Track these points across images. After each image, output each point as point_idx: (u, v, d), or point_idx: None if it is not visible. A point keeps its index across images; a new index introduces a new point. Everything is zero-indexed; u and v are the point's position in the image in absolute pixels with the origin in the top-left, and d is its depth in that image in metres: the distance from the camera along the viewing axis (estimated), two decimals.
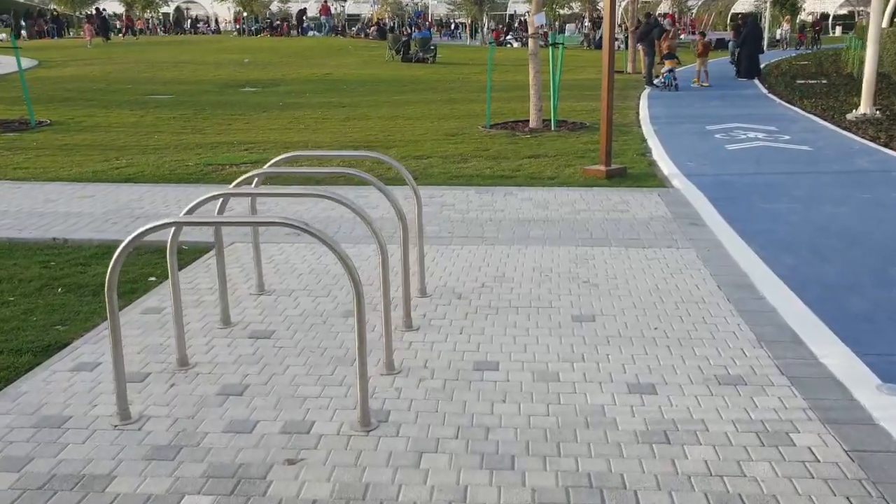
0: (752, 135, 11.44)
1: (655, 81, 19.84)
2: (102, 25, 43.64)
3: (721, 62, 27.52)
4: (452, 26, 64.76)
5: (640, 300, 4.65)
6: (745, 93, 18.37)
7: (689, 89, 19.52)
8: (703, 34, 22.95)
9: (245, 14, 48.01)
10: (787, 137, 11.21)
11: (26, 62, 30.17)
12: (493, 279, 5.08)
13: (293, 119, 14.95)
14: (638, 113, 14.73)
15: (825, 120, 13.19)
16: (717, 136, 11.50)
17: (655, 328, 4.22)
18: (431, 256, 5.63)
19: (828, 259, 5.39)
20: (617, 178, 8.52)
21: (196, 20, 63.95)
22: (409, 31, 39.19)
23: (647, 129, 12.33)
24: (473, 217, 6.77)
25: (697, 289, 4.85)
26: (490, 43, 31.35)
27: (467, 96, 18.64)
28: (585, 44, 46.75)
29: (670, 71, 19.45)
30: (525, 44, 49.37)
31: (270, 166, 4.61)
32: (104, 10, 52.39)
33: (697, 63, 20.67)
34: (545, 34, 12.72)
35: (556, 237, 6.08)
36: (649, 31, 20.66)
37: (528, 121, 12.94)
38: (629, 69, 25.45)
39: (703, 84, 20.14)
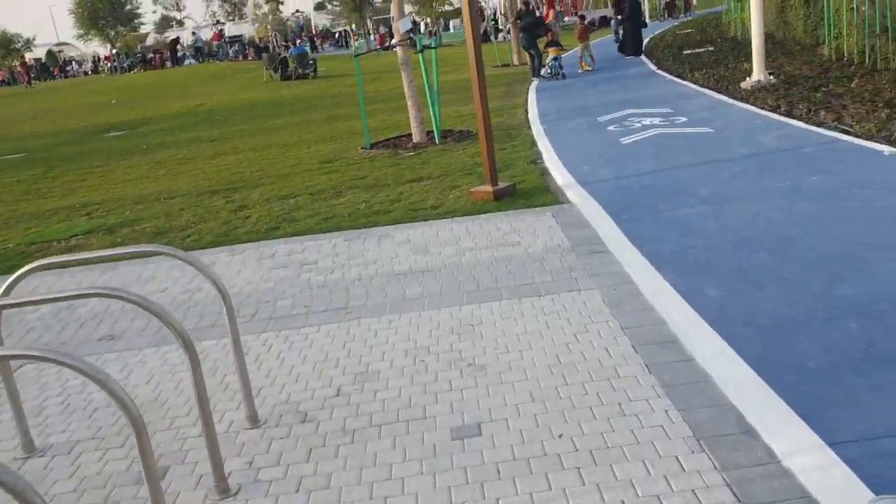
0: (647, 121, 10.61)
1: (542, 72, 19.04)
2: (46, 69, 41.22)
3: (606, 41, 27.09)
4: (337, 36, 63.10)
5: (538, 386, 3.57)
6: (633, 72, 17.72)
7: (577, 76, 18.79)
8: (581, 17, 22.30)
9: (114, 50, 45.41)
10: (684, 119, 10.42)
11: None
12: (352, 379, 3.91)
13: (155, 164, 13.44)
14: (527, 111, 13.81)
15: (720, 92, 12.52)
16: (610, 128, 10.62)
17: (560, 435, 3.14)
18: (277, 349, 4.42)
19: (760, 283, 4.43)
20: (507, 198, 7.48)
21: (66, 63, 60.57)
22: (288, 46, 37.59)
23: (537, 130, 11.38)
24: (338, 278, 5.59)
25: (608, 354, 3.79)
26: (375, 49, 30.16)
27: (350, 111, 17.39)
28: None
29: (555, 59, 18.68)
30: (413, 45, 48.44)
31: (5, 291, 3.30)
32: None
33: (579, 48, 19.99)
34: (412, 40, 11.63)
35: (436, 294, 4.96)
36: (530, 27, 19.86)
37: (412, 135, 11.83)
38: (516, 61, 24.68)
39: (588, 68, 19.46)
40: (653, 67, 18.00)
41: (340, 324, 4.68)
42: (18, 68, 48.32)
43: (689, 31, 28.91)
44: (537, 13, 28.27)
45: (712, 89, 13.00)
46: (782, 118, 9.58)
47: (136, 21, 44.26)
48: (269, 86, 27.58)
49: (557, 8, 41.94)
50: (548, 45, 19.10)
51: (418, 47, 11.57)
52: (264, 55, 30.60)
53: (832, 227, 5.25)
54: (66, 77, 51.18)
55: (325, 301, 5.14)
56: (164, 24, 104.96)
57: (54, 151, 17.06)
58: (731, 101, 11.53)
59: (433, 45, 12.54)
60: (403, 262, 5.73)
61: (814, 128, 8.73)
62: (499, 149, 10.16)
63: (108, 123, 21.23)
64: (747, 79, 12.85)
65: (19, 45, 53.03)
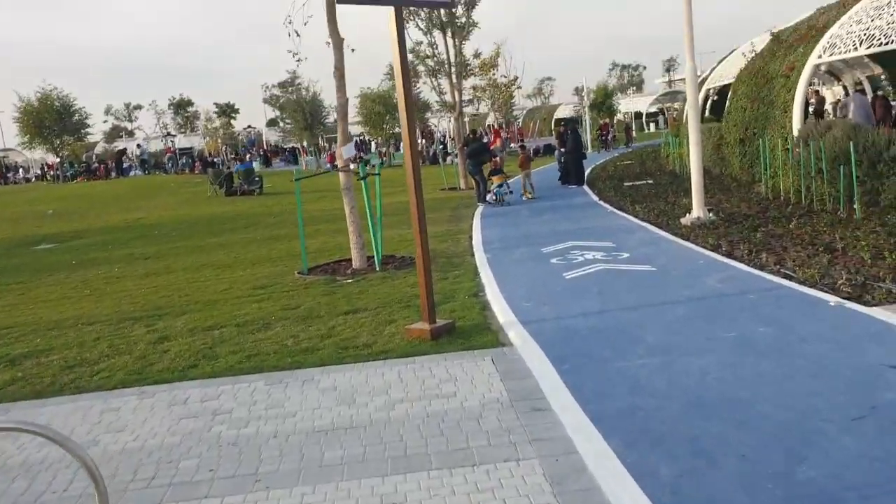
0: (590, 255, 10.48)
1: (487, 197, 19.15)
2: None
3: (550, 168, 27.68)
4: (286, 151, 63.57)
5: None
6: (576, 202, 17.92)
7: (521, 202, 18.94)
8: (522, 146, 22.80)
9: (58, 159, 44.81)
10: (626, 255, 10.31)
11: None
12: None
13: (81, 282, 12.77)
14: (471, 237, 13.66)
15: (661, 228, 12.57)
16: (553, 260, 10.44)
17: None
18: None
19: (715, 459, 4.04)
20: (445, 336, 7.08)
21: (9, 169, 59.61)
22: (237, 160, 37.53)
23: (481, 258, 11.16)
24: (251, 434, 5.04)
25: None
26: (320, 172, 30.25)
27: (291, 231, 17.03)
28: (421, 160, 46.93)
29: (500, 186, 18.86)
30: (366, 163, 48.94)
31: None
32: None
33: (521, 176, 20.29)
34: (356, 163, 11.50)
35: (358, 461, 4.44)
36: (477, 153, 20.15)
37: (352, 260, 11.48)
38: (462, 185, 24.96)
39: (530, 196, 19.68)
40: (595, 198, 18.24)
41: (247, 496, 4.11)
42: None
43: (630, 162, 29.83)
44: (485, 139, 28.97)
45: (653, 224, 13.05)
46: (724, 259, 9.52)
47: (83, 131, 43.83)
48: (212, 201, 27.24)
49: (504, 136, 43.28)
50: (492, 172, 19.30)
51: (361, 174, 11.38)
52: (209, 170, 30.42)
53: (785, 389, 4.95)
54: (6, 183, 50.19)
55: (234, 463, 4.56)
56: (115, 133, 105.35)
57: None
58: (672, 237, 11.53)
59: (377, 172, 12.41)
60: (326, 416, 5.22)
61: (756, 271, 8.64)
62: (440, 278, 9.87)
63: (41, 235, 20.47)
64: (687, 215, 12.97)
65: None
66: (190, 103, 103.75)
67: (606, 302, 7.77)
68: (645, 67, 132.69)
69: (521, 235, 13.28)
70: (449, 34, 26.11)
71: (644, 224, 13.18)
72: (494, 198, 18.88)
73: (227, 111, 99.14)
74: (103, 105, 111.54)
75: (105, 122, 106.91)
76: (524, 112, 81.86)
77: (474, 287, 9.40)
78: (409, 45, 27.85)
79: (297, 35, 10.97)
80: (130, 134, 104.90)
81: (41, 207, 27.49)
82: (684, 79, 18.50)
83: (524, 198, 19.66)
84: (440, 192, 24.22)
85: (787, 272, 8.41)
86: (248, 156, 55.91)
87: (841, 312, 6.63)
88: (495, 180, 19.02)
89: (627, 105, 69.75)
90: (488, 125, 53.79)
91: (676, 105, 61.60)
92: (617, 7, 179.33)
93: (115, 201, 28.84)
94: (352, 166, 11.55)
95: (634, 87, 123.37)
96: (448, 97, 26.79)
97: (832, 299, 7.03)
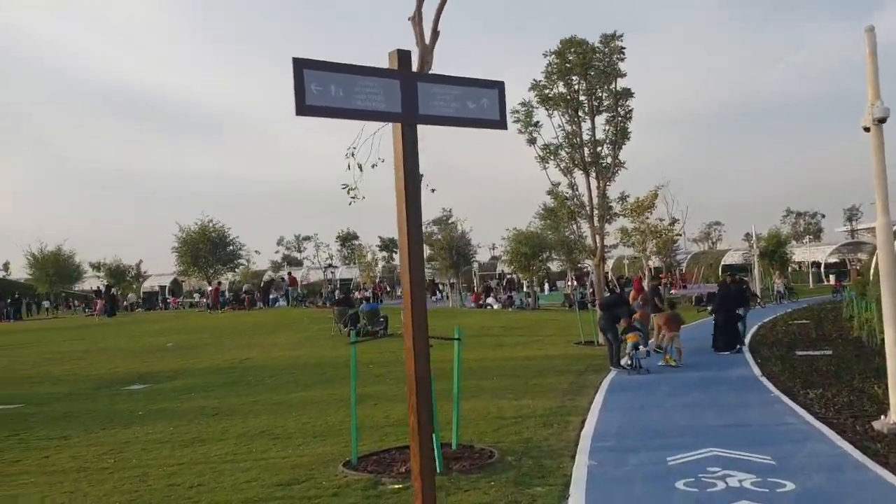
0: (734, 481, 7.29)
1: (622, 362, 16.09)
2: (111, 302, 42.85)
3: (706, 324, 24.06)
4: (435, 287, 62.52)
5: None
6: (730, 376, 14.48)
7: (662, 370, 15.71)
8: (672, 303, 19.50)
9: (210, 287, 45.93)
10: (791, 488, 7.04)
11: None
12: None
13: (118, 444, 11.01)
14: (584, 422, 10.70)
15: (844, 434, 9.10)
16: (680, 484, 7.34)
17: None
18: None
19: None
20: None
21: (171, 293, 62.55)
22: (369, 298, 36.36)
23: (580, 468, 8.22)
24: None
25: None
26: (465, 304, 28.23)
27: (388, 390, 14.76)
28: (567, 304, 44.01)
29: (635, 347, 15.80)
30: (508, 305, 46.88)
31: None
32: (114, 285, 50.97)
33: (666, 338, 17.11)
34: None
35: None
36: (610, 306, 17.33)
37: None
38: (601, 340, 21.91)
39: (673, 363, 16.41)
40: (755, 372, 14.72)
41: None
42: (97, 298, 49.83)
43: (805, 321, 25.59)
44: (626, 289, 25.94)
45: (833, 426, 9.57)
46: None
47: (236, 261, 44.93)
48: (333, 341, 25.67)
49: (660, 281, 39.62)
50: (626, 329, 16.30)
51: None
52: (335, 308, 29.12)
53: None
54: (164, 308, 52.12)
55: None
56: (284, 263, 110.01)
57: (48, 407, 15.03)
58: (861, 457, 8.07)
59: (456, 336, 9.92)
60: None
61: None
62: (508, 501, 7.06)
63: (141, 373, 19.41)
64: (882, 417, 9.43)
65: (130, 276, 55.16)
66: (355, 237, 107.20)
67: None
68: (823, 215, 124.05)
69: (646, 428, 10.18)
70: (593, 175, 23.89)
71: (819, 426, 9.71)
72: (630, 363, 15.81)
73: (390, 246, 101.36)
74: (276, 235, 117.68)
75: (276, 251, 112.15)
76: (688, 257, 77.44)
77: None
78: (547, 185, 26.01)
79: (360, 169, 8.98)
80: (299, 264, 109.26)
81: (164, 340, 27.02)
82: (870, 228, 15.00)
83: (662, 362, 16.50)
84: (573, 346, 21.28)
85: None
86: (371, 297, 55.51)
87: None
88: (629, 339, 16.02)
89: (803, 254, 63.96)
90: (638, 272, 50.22)
91: (861, 256, 55.56)
92: (795, 152, 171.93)
93: (239, 336, 27.98)
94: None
95: (811, 236, 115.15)
96: (589, 241, 24.27)
97: None
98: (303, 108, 4.10)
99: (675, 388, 13.46)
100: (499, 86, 4.99)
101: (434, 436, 8.46)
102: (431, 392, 4.98)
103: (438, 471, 8.26)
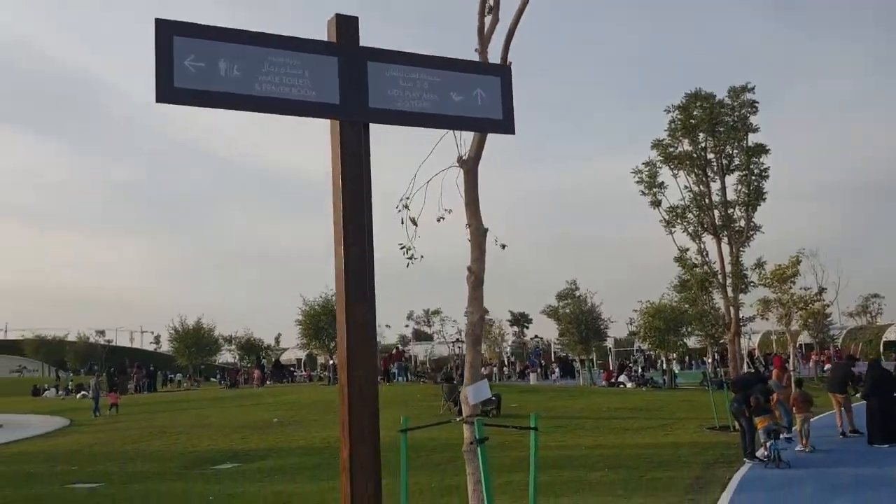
0: None
1: (758, 453, 13.67)
2: (276, 373, 44.38)
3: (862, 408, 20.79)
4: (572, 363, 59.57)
5: None
6: (892, 476, 11.80)
7: (806, 465, 13.20)
8: (798, 382, 16.66)
9: (332, 361, 45.65)
10: None
11: (58, 420, 27.59)
12: None
13: None
14: None
15: None
16: None
17: None
18: None
19: None
20: None
21: (304, 366, 63.12)
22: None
23: None
24: None
25: None
26: (595, 383, 26.12)
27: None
28: (706, 384, 40.41)
29: (769, 434, 13.40)
30: (643, 383, 43.54)
31: None
32: (264, 358, 52.75)
33: (798, 419, 14.75)
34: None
35: None
36: (744, 385, 14.97)
37: None
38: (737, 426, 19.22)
39: (804, 449, 14.12)
40: None
41: None
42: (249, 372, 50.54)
43: None
44: (764, 369, 23.10)
45: None
46: None
47: None
48: (438, 420, 24.14)
49: (789, 373, 35.48)
50: (755, 411, 13.88)
51: (477, 435, 7.33)
52: (445, 385, 27.61)
53: None
54: (291, 381, 52.35)
55: None
56: (414, 337, 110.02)
57: (128, 487, 14.35)
58: None
59: (533, 424, 8.20)
60: None
61: None
62: None
63: (234, 451, 18.60)
64: None
65: (262, 349, 56.07)
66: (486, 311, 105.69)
67: None
68: None
69: None
70: (725, 240, 21.60)
71: None
72: (767, 455, 13.37)
73: (521, 320, 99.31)
74: (407, 311, 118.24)
75: (406, 326, 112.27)
76: (843, 332, 70.78)
77: None
78: (675, 251, 23.81)
79: (415, 224, 7.65)
80: (429, 338, 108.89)
81: (272, 414, 26.36)
82: None
83: (801, 447, 14.19)
84: (705, 432, 18.71)
85: None
86: (530, 367, 53.25)
87: None
88: (759, 424, 13.64)
89: None
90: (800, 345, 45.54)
91: None
92: None
93: None
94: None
95: None
96: (722, 312, 21.81)
97: None
98: (169, 91, 2.79)
99: (821, 489, 11.01)
100: (503, 72, 3.49)
101: None
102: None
103: None
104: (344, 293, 3.02)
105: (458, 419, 7.54)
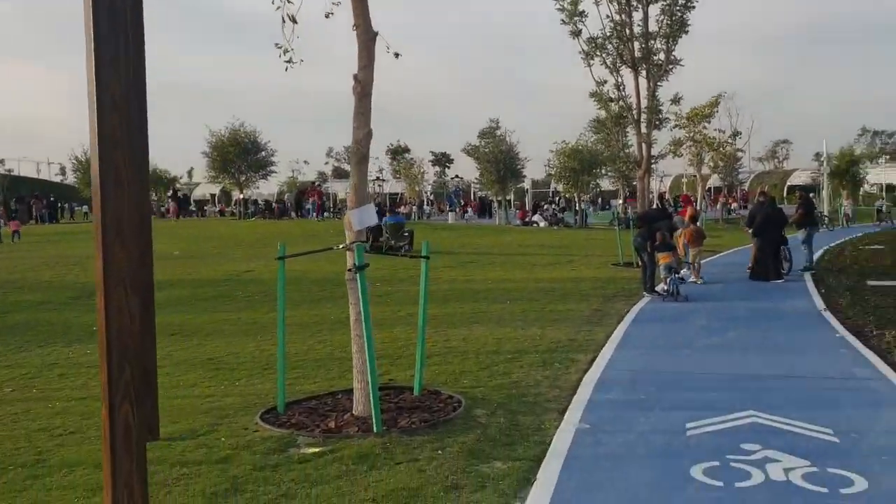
0: (776, 469, 5.02)
1: (658, 288, 13.74)
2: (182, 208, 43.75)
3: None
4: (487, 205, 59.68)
5: None
6: (786, 308, 12.05)
7: (704, 298, 13.36)
8: (693, 219, 16.80)
9: (241, 195, 44.37)
10: (858, 486, 4.75)
11: None
12: None
13: (49, 365, 9.30)
14: (590, 365, 8.47)
15: None
16: (697, 473, 5.10)
17: None
18: None
19: None
20: None
21: (218, 201, 61.44)
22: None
23: (567, 428, 6.04)
24: None
25: None
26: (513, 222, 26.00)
27: (383, 312, 12.68)
28: (616, 223, 41.12)
29: (669, 270, 13.47)
30: (555, 223, 44.05)
31: None
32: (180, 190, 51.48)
33: (691, 253, 15.12)
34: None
35: None
36: (648, 220, 14.83)
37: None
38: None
39: (696, 281, 14.72)
40: (818, 304, 12.23)
41: None
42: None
43: (879, 246, 22.63)
44: (673, 210, 23.30)
45: None
46: None
47: (267, 168, 43.00)
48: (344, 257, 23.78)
49: (722, 200, 36.27)
50: (657, 247, 13.87)
51: (357, 261, 6.72)
52: None
53: None
54: (201, 216, 50.92)
55: None
56: (335, 175, 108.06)
57: (7, 317, 13.56)
58: None
59: (425, 254, 7.70)
60: None
61: None
62: (463, 466, 4.93)
63: None
64: None
65: (166, 181, 53.85)
66: (407, 150, 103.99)
67: None
68: None
69: (668, 375, 7.93)
70: (643, 74, 20.95)
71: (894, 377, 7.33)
72: (667, 289, 13.45)
73: (442, 160, 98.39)
74: (325, 147, 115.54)
75: (326, 163, 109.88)
76: (751, 176, 72.94)
77: None
78: (591, 86, 23.14)
79: (294, 21, 6.63)
80: (349, 176, 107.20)
81: (173, 247, 25.45)
82: None
83: (693, 279, 14.73)
84: (609, 268, 18.88)
85: None
86: (451, 205, 53.09)
87: None
88: (661, 260, 13.68)
89: (877, 175, 59.24)
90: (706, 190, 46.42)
91: None
92: (877, 63, 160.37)
93: (252, 246, 26.33)
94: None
95: (888, 156, 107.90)
96: (634, 150, 21.56)
97: None
98: None
99: (715, 321, 11.11)
100: None
101: (371, 382, 6.37)
102: None
103: (375, 430, 6.18)
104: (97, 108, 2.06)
105: (340, 247, 6.91)
